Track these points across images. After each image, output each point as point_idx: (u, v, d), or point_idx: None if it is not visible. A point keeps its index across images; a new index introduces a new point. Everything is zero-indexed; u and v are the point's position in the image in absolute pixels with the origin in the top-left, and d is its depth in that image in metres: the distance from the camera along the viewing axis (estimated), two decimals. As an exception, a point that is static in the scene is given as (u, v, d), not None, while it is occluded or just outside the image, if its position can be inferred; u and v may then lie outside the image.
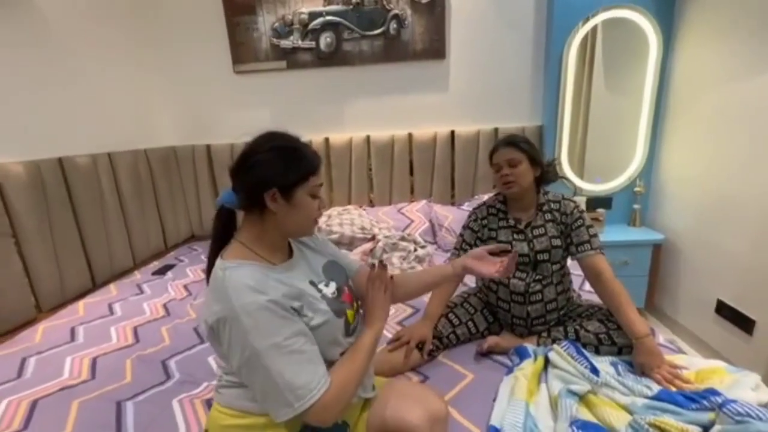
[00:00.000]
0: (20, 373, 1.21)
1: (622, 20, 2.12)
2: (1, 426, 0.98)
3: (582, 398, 0.98)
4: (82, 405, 1.06)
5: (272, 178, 0.74)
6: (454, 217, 2.26)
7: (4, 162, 1.52)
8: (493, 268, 0.97)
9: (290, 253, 0.85)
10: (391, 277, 0.91)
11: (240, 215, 0.82)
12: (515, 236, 1.27)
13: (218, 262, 0.76)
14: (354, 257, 1.94)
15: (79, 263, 1.83)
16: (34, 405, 1.06)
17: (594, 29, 2.16)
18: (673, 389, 1.00)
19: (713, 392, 0.91)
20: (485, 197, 1.89)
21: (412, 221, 2.30)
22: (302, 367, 0.69)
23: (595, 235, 1.24)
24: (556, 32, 2.18)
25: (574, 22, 2.13)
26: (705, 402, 0.90)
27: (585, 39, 2.18)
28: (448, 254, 1.92)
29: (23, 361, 1.27)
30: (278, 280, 0.73)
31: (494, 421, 0.94)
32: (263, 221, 0.78)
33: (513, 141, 1.24)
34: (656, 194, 2.28)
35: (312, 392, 0.68)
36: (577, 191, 2.33)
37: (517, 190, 1.23)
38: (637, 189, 2.25)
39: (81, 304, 1.68)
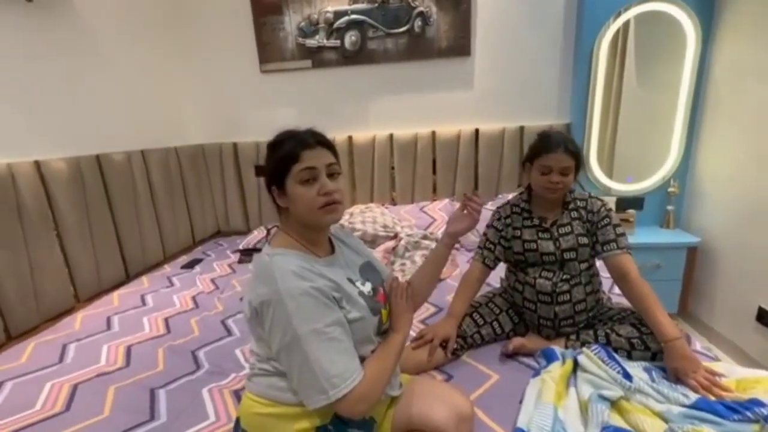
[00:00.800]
0: (62, 358, 1.28)
1: (656, 13, 2.03)
2: (46, 407, 1.05)
3: (614, 404, 0.95)
4: (118, 390, 1.11)
5: (267, 178, 0.80)
6: (477, 217, 2.23)
7: (48, 159, 1.61)
8: (470, 218, 0.99)
9: (332, 250, 0.87)
10: (408, 283, 0.93)
11: None
12: (540, 235, 1.24)
13: (265, 248, 0.79)
14: (377, 255, 1.95)
15: (114, 256, 1.91)
16: (74, 389, 1.12)
17: (626, 23, 2.09)
18: (712, 398, 0.95)
19: (758, 403, 0.87)
20: (509, 196, 1.85)
21: (435, 220, 2.29)
22: (339, 356, 0.70)
23: (623, 235, 1.20)
24: (586, 27, 2.11)
25: (605, 16, 2.06)
26: (748, 413, 0.85)
27: (616, 34, 2.10)
28: (471, 253, 1.90)
29: (64, 347, 1.34)
30: (320, 272, 0.75)
31: (521, 423, 0.92)
32: (287, 217, 0.82)
33: (570, 148, 1.16)
34: (692, 195, 2.18)
35: (346, 382, 0.69)
36: (602, 190, 2.25)
37: (560, 195, 1.21)
38: (671, 189, 2.15)
39: (115, 294, 1.76)
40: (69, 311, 1.64)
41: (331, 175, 0.78)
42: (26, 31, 1.57)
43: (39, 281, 1.53)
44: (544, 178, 1.18)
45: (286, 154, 0.76)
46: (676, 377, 1.03)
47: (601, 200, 1.25)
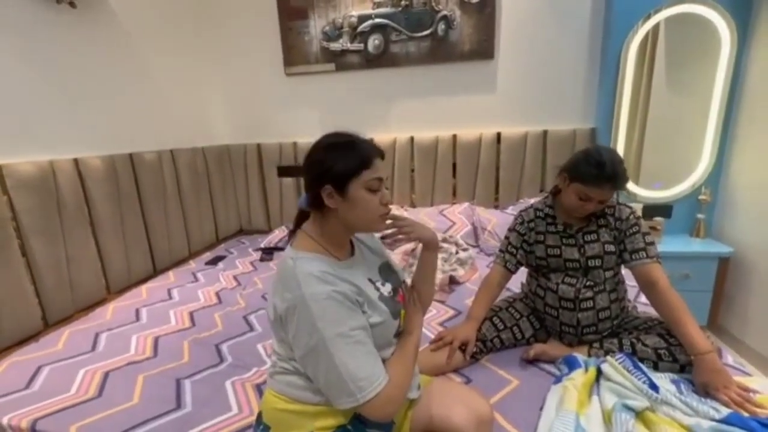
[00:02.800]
0: (94, 346, 1.34)
1: (688, 15, 1.97)
2: (80, 392, 1.10)
3: (639, 415, 0.93)
4: (146, 379, 1.15)
5: (324, 174, 0.76)
6: (497, 221, 2.21)
7: (85, 156, 1.69)
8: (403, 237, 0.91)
9: (352, 251, 0.87)
10: (412, 286, 0.94)
11: None
12: (564, 241, 1.22)
13: (289, 251, 0.80)
14: (395, 258, 1.96)
15: (144, 250, 1.99)
16: (106, 376, 1.17)
17: (656, 26, 2.03)
18: (745, 414, 0.91)
19: (794, 420, 0.83)
20: (531, 201, 1.83)
21: (454, 223, 2.28)
22: (365, 359, 0.71)
23: (652, 243, 1.16)
24: (614, 30, 2.07)
25: (634, 19, 2.01)
26: (784, 430, 0.82)
27: (645, 37, 2.05)
28: (491, 257, 1.88)
29: (96, 336, 1.40)
30: (342, 276, 0.75)
31: (542, 429, 0.91)
32: (327, 218, 0.80)
33: (619, 186, 1.10)
34: (724, 203, 2.10)
35: (373, 385, 0.69)
36: (628, 196, 2.19)
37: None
38: (702, 197, 2.08)
39: (144, 288, 1.83)
40: (101, 302, 1.72)
41: (386, 189, 0.81)
42: (68, 35, 1.66)
43: (74, 272, 1.61)
44: (580, 204, 1.14)
45: (361, 159, 0.76)
46: (705, 392, 0.99)
47: (630, 207, 1.22)
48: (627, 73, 2.08)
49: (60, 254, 1.54)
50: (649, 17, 2.00)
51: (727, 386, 0.96)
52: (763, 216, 1.86)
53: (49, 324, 1.53)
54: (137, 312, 1.58)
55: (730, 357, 1.17)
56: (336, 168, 0.75)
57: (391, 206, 0.79)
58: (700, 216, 2.13)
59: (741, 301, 1.98)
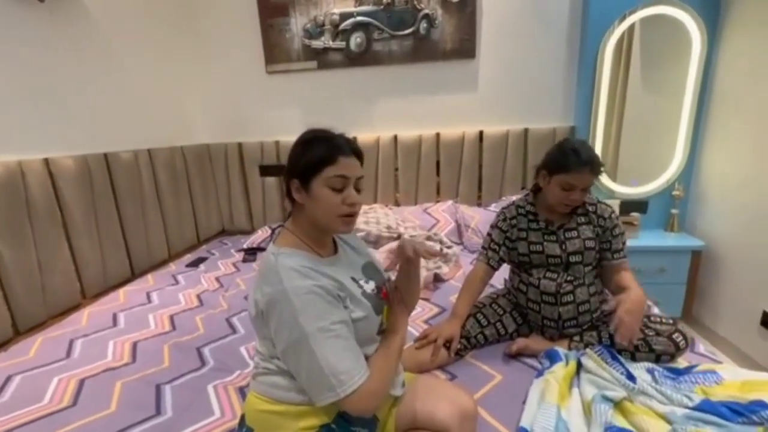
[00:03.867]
0: (69, 353, 1.29)
1: (661, 17, 2.03)
2: (54, 401, 1.06)
3: (617, 405, 0.96)
4: (124, 386, 1.12)
5: (291, 169, 0.78)
6: (480, 218, 2.24)
7: (57, 156, 1.62)
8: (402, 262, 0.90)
9: (335, 250, 0.87)
10: (396, 287, 0.93)
11: None
12: (546, 237, 1.25)
13: (271, 246, 0.79)
14: (380, 256, 1.96)
15: (120, 253, 1.93)
16: (81, 384, 1.13)
17: (631, 26, 2.09)
18: (713, 399, 0.95)
19: (762, 405, 0.87)
20: (513, 198, 1.86)
21: (438, 221, 2.29)
22: (346, 353, 0.70)
23: (625, 242, 1.26)
24: (591, 31, 2.12)
25: (610, 20, 2.07)
26: (754, 416, 0.86)
27: (621, 37, 2.11)
28: (475, 254, 1.90)
29: (71, 342, 1.35)
30: (324, 272, 0.75)
31: (524, 423, 0.93)
32: (298, 213, 0.81)
33: (596, 171, 1.14)
34: (696, 198, 2.18)
35: (354, 379, 0.69)
36: (606, 193, 2.25)
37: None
38: (675, 192, 2.15)
39: (121, 291, 1.77)
40: (75, 307, 1.66)
41: (357, 189, 0.79)
42: (37, 32, 1.59)
43: (46, 277, 1.55)
44: (565, 194, 1.17)
45: (323, 154, 0.74)
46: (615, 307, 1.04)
47: (610, 206, 1.27)
48: (604, 73, 2.14)
49: (30, 258, 1.48)
50: (624, 18, 2.06)
51: (630, 314, 1.01)
52: (731, 210, 1.94)
53: (20, 331, 1.46)
54: (114, 317, 1.53)
55: (702, 346, 1.21)
56: (300, 163, 0.76)
57: (357, 207, 0.77)
58: (673, 211, 2.20)
59: (712, 292, 2.06)
